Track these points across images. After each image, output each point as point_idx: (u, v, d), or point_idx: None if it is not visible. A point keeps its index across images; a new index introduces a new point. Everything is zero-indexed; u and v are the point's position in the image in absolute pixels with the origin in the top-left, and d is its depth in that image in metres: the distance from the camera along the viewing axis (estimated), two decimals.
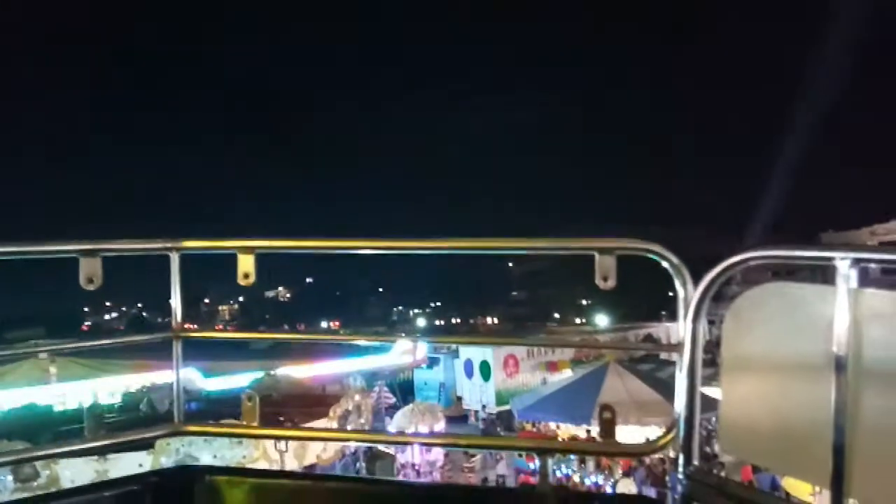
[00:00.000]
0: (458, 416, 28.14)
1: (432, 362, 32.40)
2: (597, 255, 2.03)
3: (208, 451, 8.56)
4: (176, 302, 2.22)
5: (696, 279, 1.90)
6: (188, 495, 2.16)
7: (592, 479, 17.69)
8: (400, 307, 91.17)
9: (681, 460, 1.92)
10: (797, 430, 1.65)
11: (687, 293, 1.92)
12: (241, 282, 2.18)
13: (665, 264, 1.99)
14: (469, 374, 30.01)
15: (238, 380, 17.74)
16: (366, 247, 2.31)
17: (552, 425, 20.15)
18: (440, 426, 19.07)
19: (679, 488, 1.88)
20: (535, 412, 20.39)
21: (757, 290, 1.77)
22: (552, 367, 29.10)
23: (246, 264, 2.17)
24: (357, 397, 15.30)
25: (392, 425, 18.71)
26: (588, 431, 16.92)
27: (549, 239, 2.17)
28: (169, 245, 2.19)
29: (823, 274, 1.69)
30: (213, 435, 2.33)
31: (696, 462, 1.92)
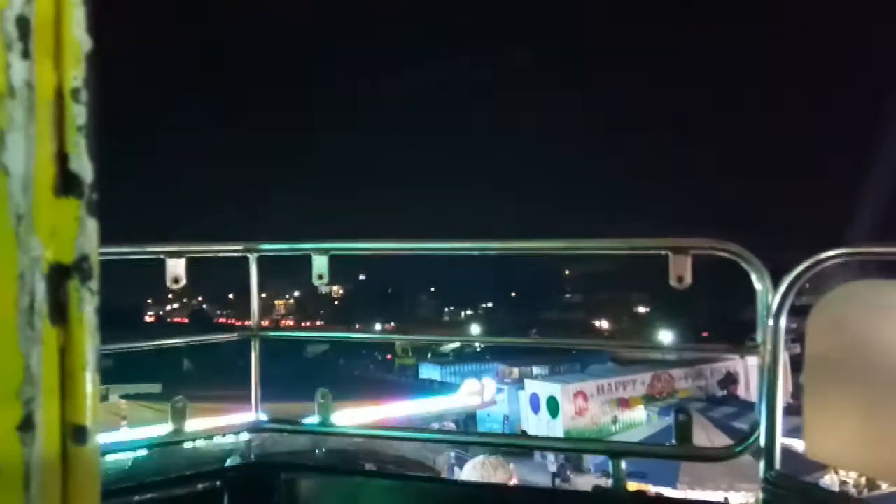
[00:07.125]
0: (522, 454, 27.29)
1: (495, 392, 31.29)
2: (671, 255, 2.00)
3: None
4: (254, 302, 2.29)
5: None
6: (265, 491, 2.21)
7: None
8: (451, 307, 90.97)
9: (762, 465, 1.87)
10: (889, 432, 1.59)
11: (766, 292, 1.88)
12: (316, 282, 2.23)
13: (743, 264, 1.95)
14: (535, 409, 28.54)
15: None
16: (433, 248, 2.34)
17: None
18: (514, 481, 17.58)
19: (761, 494, 1.83)
20: None
21: (843, 289, 1.71)
22: (624, 403, 27.83)
23: (320, 266, 2.23)
24: None
25: (463, 475, 17.32)
26: None
27: (621, 239, 2.15)
28: (247, 247, 2.27)
29: None
30: (289, 432, 2.39)
31: (777, 466, 1.87)
